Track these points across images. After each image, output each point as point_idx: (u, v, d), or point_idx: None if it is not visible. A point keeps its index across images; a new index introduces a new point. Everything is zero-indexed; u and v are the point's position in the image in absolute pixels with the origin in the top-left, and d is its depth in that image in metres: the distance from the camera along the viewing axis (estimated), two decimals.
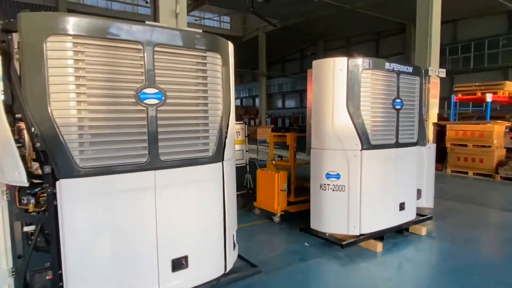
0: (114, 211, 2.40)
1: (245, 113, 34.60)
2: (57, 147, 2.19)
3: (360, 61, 3.90)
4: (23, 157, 2.22)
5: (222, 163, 2.94)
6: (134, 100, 2.41)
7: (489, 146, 8.79)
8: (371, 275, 3.41)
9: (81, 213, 2.29)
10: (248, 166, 6.57)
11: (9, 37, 2.18)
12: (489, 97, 9.49)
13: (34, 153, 2.24)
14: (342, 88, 3.90)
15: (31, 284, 2.44)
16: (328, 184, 4.04)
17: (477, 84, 10.42)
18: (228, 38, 3.07)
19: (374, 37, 27.65)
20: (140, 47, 2.42)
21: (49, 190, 2.25)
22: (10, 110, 2.22)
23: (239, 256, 3.44)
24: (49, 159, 2.20)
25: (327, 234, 4.20)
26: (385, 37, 26.73)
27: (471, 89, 10.35)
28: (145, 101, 2.45)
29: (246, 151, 6.55)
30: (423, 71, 4.67)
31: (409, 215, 4.53)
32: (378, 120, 4.07)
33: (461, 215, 5.60)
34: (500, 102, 11.05)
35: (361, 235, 4.04)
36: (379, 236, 4.21)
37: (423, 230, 4.56)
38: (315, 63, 4.12)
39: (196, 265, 2.77)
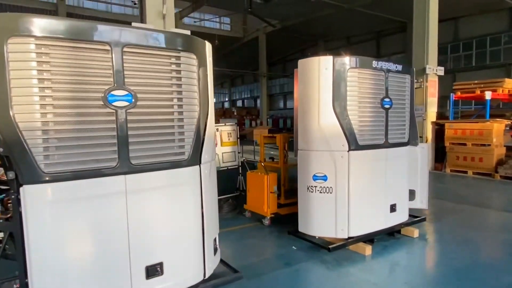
0: (82, 218, 2.32)
1: (246, 114, 34.55)
2: (20, 152, 2.12)
3: (346, 60, 3.81)
4: None
5: (200, 166, 2.86)
6: (102, 103, 2.34)
7: (489, 145, 8.64)
8: (356, 280, 3.31)
9: (47, 220, 2.22)
10: (240, 168, 6.48)
11: None
12: (488, 95, 9.33)
13: None
14: (328, 87, 3.81)
15: None
16: (315, 186, 3.95)
17: (476, 81, 10.25)
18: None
19: (375, 36, 27.44)
20: (107, 48, 2.35)
21: (13, 196, 2.19)
22: None
23: (221, 261, 3.36)
24: (12, 165, 2.13)
25: (317, 237, 4.11)
26: (386, 36, 26.52)
27: (470, 87, 10.19)
28: (114, 104, 2.37)
29: (239, 152, 6.46)
30: (414, 69, 4.56)
31: (401, 216, 4.42)
32: (366, 120, 3.97)
33: (457, 216, 5.47)
34: (501, 99, 10.88)
35: (349, 238, 3.94)
36: (369, 239, 4.11)
37: (415, 232, 4.45)
38: (300, 62, 4.03)
39: (172, 271, 2.69)
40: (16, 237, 2.23)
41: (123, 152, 2.43)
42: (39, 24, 2.14)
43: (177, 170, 2.71)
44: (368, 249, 3.88)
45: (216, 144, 6.15)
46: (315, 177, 3.94)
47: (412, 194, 5.03)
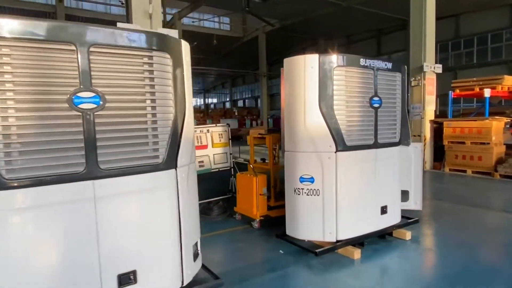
0: (48, 226, 2.22)
1: (247, 114, 34.47)
2: None
3: (332, 58, 3.70)
4: None
5: (176, 170, 2.76)
6: (68, 105, 2.24)
7: (488, 143, 8.48)
8: (342, 286, 3.20)
9: (10, 228, 2.12)
10: (232, 169, 6.38)
11: None
12: (487, 93, 9.16)
13: None
14: (314, 86, 3.70)
15: None
16: (302, 188, 3.84)
17: (475, 79, 10.09)
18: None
19: (375, 34, 27.26)
20: (72, 48, 2.25)
21: None
22: None
23: (203, 266, 3.26)
24: None
25: (306, 241, 4.00)
26: (386, 34, 26.33)
27: (469, 85, 10.03)
28: (80, 106, 2.28)
29: (231, 153, 6.36)
30: (405, 66, 4.43)
31: (392, 219, 4.30)
32: (354, 120, 3.85)
33: (453, 217, 5.34)
34: (501, 97, 10.70)
35: (338, 241, 3.83)
36: (358, 242, 4.00)
37: (407, 234, 4.32)
38: (286, 61, 3.92)
39: (146, 280, 2.59)
40: None
41: (91, 157, 2.33)
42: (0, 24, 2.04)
43: (150, 174, 2.60)
44: (357, 253, 3.77)
45: (207, 145, 6.07)
46: (301, 179, 3.83)
47: (405, 195, 4.92)
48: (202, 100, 56.45)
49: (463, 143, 8.93)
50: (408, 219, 4.79)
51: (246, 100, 43.79)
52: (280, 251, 3.98)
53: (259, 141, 5.27)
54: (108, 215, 2.42)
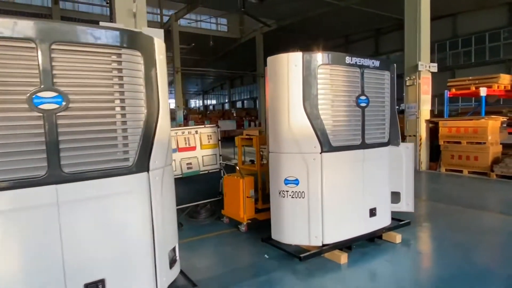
0: (8, 233, 2.10)
1: (246, 115, 34.34)
2: None
3: (316, 56, 3.58)
4: None
5: (148, 173, 2.63)
6: (27, 106, 2.12)
7: (484, 143, 8.35)
8: None
9: None
10: (222, 171, 6.25)
11: None
12: (483, 91, 9.04)
13: None
14: (298, 85, 3.58)
15: None
16: (287, 191, 3.71)
17: (470, 78, 9.96)
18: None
19: (373, 34, 27.17)
20: (32, 45, 2.13)
21: None
22: None
23: (182, 273, 3.13)
24: None
25: (293, 245, 3.87)
26: (384, 34, 26.22)
27: (465, 84, 9.90)
28: (41, 107, 2.15)
29: (220, 155, 6.23)
30: (394, 65, 4.30)
31: (382, 221, 4.17)
32: (340, 120, 3.73)
33: (446, 219, 5.21)
34: (497, 96, 10.57)
35: (324, 245, 3.70)
36: (346, 245, 3.87)
37: (397, 237, 4.19)
38: (269, 59, 3.80)
39: None
40: None
41: (53, 160, 2.21)
42: None
43: (120, 178, 2.48)
44: (343, 257, 3.64)
45: (195, 147, 5.95)
46: (286, 181, 3.71)
47: (397, 196, 4.80)
48: (201, 101, 56.39)
49: (459, 143, 8.80)
50: (400, 221, 4.66)
51: (245, 101, 43.68)
52: (266, 255, 3.86)
53: (246, 142, 5.15)
54: (73, 221, 2.30)
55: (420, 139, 9.46)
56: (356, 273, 3.43)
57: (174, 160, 5.74)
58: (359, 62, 3.81)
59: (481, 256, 3.87)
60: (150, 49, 2.69)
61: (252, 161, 5.48)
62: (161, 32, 5.26)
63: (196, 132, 5.93)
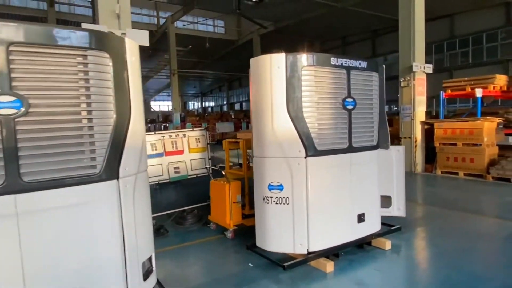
0: None
1: (244, 117, 34.24)
2: None
3: (299, 57, 3.46)
4: None
5: (118, 181, 2.50)
6: None
7: (480, 145, 8.23)
8: None
9: None
10: (210, 175, 6.12)
11: None
12: (478, 92, 8.92)
13: None
14: (281, 88, 3.46)
15: None
16: (271, 197, 3.58)
17: (466, 79, 9.85)
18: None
19: (370, 35, 27.12)
20: None
21: None
22: None
23: (158, 283, 3.00)
24: None
25: (279, 253, 3.73)
26: (382, 35, 26.14)
27: (460, 85, 9.79)
28: None
29: (209, 159, 6.11)
30: (383, 66, 4.18)
31: (371, 227, 4.04)
32: (325, 123, 3.61)
33: (439, 224, 5.08)
34: (494, 97, 10.45)
35: (310, 253, 3.57)
36: (333, 253, 3.74)
37: (387, 243, 4.06)
38: (252, 60, 3.68)
39: None
40: None
41: (11, 168, 2.08)
42: None
43: (86, 186, 2.35)
44: (329, 266, 3.51)
45: (183, 151, 5.82)
46: (270, 187, 3.58)
47: (387, 201, 4.67)
48: (199, 103, 56.32)
49: (455, 144, 8.68)
50: (390, 226, 4.54)
51: (243, 103, 43.58)
52: (250, 264, 3.73)
53: (234, 145, 5.02)
54: (34, 233, 2.16)
55: (415, 141, 9.33)
56: (341, 283, 3.29)
57: (161, 164, 5.62)
58: (345, 63, 3.69)
59: (475, 264, 3.72)
60: (120, 50, 2.56)
61: (240, 165, 5.35)
62: (145, 33, 5.18)
63: (184, 135, 5.81)
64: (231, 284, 3.32)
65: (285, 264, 3.40)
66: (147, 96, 53.48)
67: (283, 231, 3.56)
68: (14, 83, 2.08)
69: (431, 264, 3.76)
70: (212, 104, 53.39)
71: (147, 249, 2.89)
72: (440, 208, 5.92)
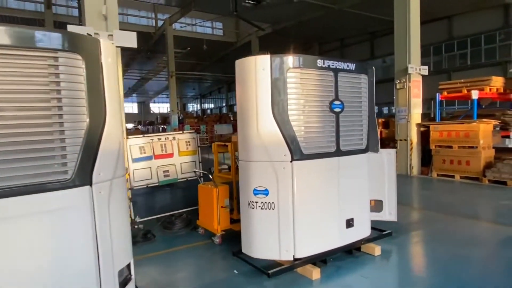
0: None
1: None
2: None
3: (285, 59, 3.38)
4: None
5: (91, 187, 2.42)
6: None
7: (475, 147, 8.14)
8: None
9: None
10: (202, 179, 6.04)
11: None
12: (474, 94, 8.84)
13: None
14: (266, 90, 3.38)
15: None
16: (256, 202, 3.50)
17: (462, 80, 9.76)
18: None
19: (369, 37, 27.10)
20: None
21: None
22: None
23: None
24: None
25: (266, 259, 3.65)
26: (380, 37, 26.09)
27: (456, 86, 9.70)
28: None
29: (200, 162, 6.03)
30: (373, 67, 4.11)
31: (360, 232, 3.95)
32: (312, 126, 3.53)
33: (432, 229, 4.99)
34: (491, 99, 10.36)
35: (296, 259, 3.48)
36: (320, 259, 3.65)
37: (376, 249, 3.97)
38: (237, 62, 3.60)
39: None
40: None
41: None
42: None
43: (56, 193, 2.26)
44: (316, 272, 3.42)
45: (173, 154, 5.74)
46: (255, 191, 3.49)
47: (379, 205, 4.59)
48: (198, 105, 56.27)
49: (451, 147, 8.59)
50: (381, 231, 4.45)
51: None
52: (235, 270, 3.64)
53: (223, 148, 4.94)
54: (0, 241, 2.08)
55: (411, 143, 9.25)
56: None
57: (150, 167, 5.55)
58: (333, 65, 3.61)
59: (466, 271, 3.61)
60: (95, 52, 2.48)
61: (229, 168, 5.27)
62: (133, 35, 5.10)
63: (174, 138, 5.74)
64: None
65: (269, 272, 3.31)
66: (146, 98, 53.50)
67: (268, 237, 3.48)
68: None
69: (421, 271, 3.67)
70: (211, 106, 53.35)
71: (125, 256, 2.80)
72: (434, 213, 5.83)
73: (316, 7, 19.66)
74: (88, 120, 2.40)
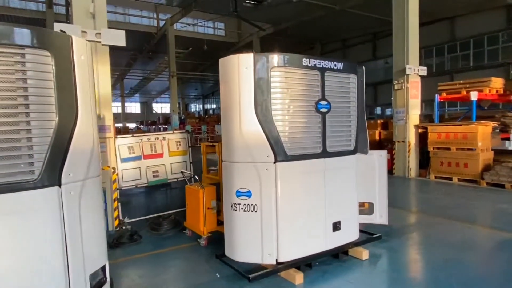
0: None
1: None
2: None
3: (268, 57, 3.30)
4: None
5: (60, 188, 2.35)
6: None
7: (474, 149, 8.00)
8: None
9: None
10: (193, 179, 5.96)
11: None
12: (473, 96, 8.70)
13: None
14: (249, 89, 3.30)
15: None
16: (239, 204, 3.41)
17: (461, 81, 9.62)
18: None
19: (371, 38, 26.92)
20: None
21: None
22: None
23: None
24: None
25: (250, 263, 3.56)
26: (382, 38, 25.86)
27: (455, 88, 9.56)
28: None
29: (191, 162, 5.95)
30: (362, 67, 4.01)
31: (347, 235, 3.86)
32: (297, 127, 3.44)
33: (426, 233, 4.89)
34: (491, 100, 10.20)
35: (279, 263, 3.39)
36: (305, 263, 3.56)
37: (364, 253, 3.87)
38: (221, 61, 3.52)
39: None
40: None
41: None
42: None
43: (22, 194, 2.20)
44: (299, 277, 3.33)
45: (162, 154, 5.67)
46: (238, 193, 3.41)
47: (370, 208, 4.49)
48: (201, 105, 56.26)
49: (449, 149, 8.46)
50: (371, 235, 4.35)
51: None
52: (217, 274, 3.56)
53: (211, 149, 4.86)
54: None
55: (409, 145, 9.12)
56: None
57: (139, 168, 5.48)
58: (319, 64, 3.52)
59: (457, 278, 3.50)
60: (65, 49, 2.42)
61: (217, 169, 5.18)
62: (121, 33, 5.03)
63: (164, 138, 5.67)
64: None
65: (250, 276, 3.22)
66: (149, 98, 53.55)
67: (250, 240, 3.39)
68: None
69: (409, 277, 3.57)
70: (214, 106, 53.29)
71: (98, 259, 2.73)
72: (429, 216, 5.72)
73: (317, 7, 19.54)
74: (57, 118, 2.34)
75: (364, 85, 4.08)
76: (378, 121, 11.74)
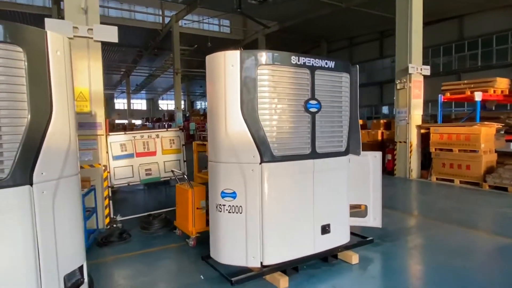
0: None
1: None
2: None
3: (255, 55, 3.21)
4: None
5: (31, 187, 2.29)
6: None
7: (476, 151, 7.82)
8: None
9: None
10: (178, 179, 5.89)
11: None
12: (478, 96, 8.50)
13: None
14: (235, 88, 3.21)
15: None
16: (224, 205, 3.33)
17: (465, 81, 9.41)
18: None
19: (378, 36, 26.61)
20: None
21: None
22: None
23: None
24: None
25: (235, 265, 3.48)
26: (389, 36, 25.56)
27: (459, 88, 9.36)
28: None
29: (185, 161, 5.89)
30: (356, 66, 3.89)
31: (337, 239, 3.76)
32: (284, 127, 3.34)
33: (422, 237, 4.76)
34: (497, 101, 9.98)
35: (264, 266, 3.31)
36: (292, 266, 3.47)
37: (354, 257, 3.77)
38: (207, 58, 3.43)
39: None
40: None
41: None
42: None
43: None
44: (283, 281, 3.24)
45: (155, 152, 5.62)
46: (223, 194, 3.33)
47: (365, 210, 4.39)
48: (206, 103, 56.29)
49: (451, 150, 8.29)
50: (363, 238, 4.25)
51: None
52: (201, 276, 3.49)
53: (203, 147, 4.79)
54: None
55: (411, 146, 8.96)
56: None
57: (132, 165, 5.43)
58: (309, 63, 3.42)
59: (451, 284, 3.38)
60: (39, 44, 2.35)
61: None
62: (114, 29, 4.97)
63: (157, 136, 5.61)
64: None
65: (232, 279, 3.14)
66: (155, 95, 53.74)
67: (235, 242, 3.31)
68: None
69: (400, 283, 3.45)
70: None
71: (75, 259, 2.67)
72: (427, 219, 5.59)
73: (323, 5, 19.34)
74: (29, 116, 2.28)
75: (357, 84, 3.97)
76: (381, 121, 11.57)
